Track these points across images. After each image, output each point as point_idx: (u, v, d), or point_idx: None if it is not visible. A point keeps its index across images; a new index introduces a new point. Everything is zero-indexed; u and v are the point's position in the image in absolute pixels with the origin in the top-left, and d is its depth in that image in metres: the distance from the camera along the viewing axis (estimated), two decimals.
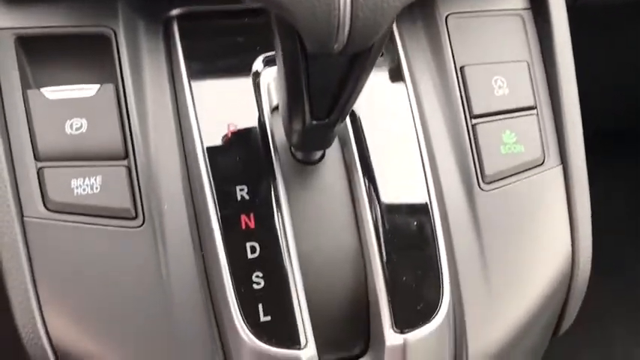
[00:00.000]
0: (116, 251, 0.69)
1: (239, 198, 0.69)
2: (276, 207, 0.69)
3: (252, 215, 0.68)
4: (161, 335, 0.68)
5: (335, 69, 0.56)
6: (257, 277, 0.67)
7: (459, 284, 0.73)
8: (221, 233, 0.68)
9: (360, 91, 0.59)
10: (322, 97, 0.59)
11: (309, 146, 0.70)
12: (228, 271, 0.67)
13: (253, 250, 0.68)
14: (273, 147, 0.71)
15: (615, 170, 1.60)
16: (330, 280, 0.71)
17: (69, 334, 0.68)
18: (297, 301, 0.67)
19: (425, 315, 0.69)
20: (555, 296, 0.79)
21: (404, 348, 0.67)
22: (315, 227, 0.71)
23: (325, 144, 0.69)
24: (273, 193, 0.69)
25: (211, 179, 0.69)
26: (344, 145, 0.74)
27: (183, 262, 0.69)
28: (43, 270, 0.68)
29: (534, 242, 0.77)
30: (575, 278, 0.79)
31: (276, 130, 0.72)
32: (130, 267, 0.69)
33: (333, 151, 0.73)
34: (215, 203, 0.68)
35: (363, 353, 0.72)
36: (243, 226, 0.68)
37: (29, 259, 0.68)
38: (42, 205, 0.68)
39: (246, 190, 0.69)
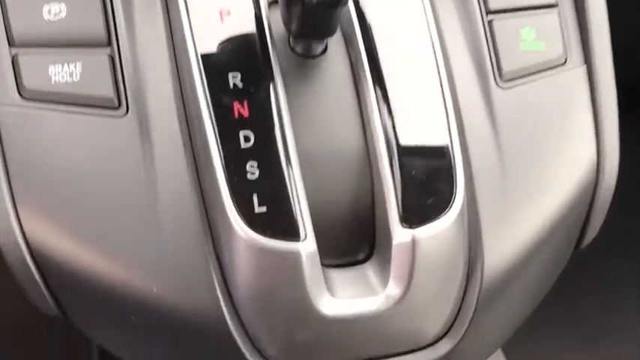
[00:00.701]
0: (97, 141, 0.63)
1: (231, 85, 0.63)
2: (273, 95, 0.63)
3: (245, 103, 0.62)
4: (146, 229, 0.62)
5: None
6: (251, 166, 0.61)
7: (474, 185, 0.67)
8: (211, 121, 0.62)
9: None
10: None
11: (309, 33, 0.63)
12: (219, 160, 0.61)
13: (247, 139, 0.62)
14: (271, 39, 0.65)
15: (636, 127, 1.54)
16: (332, 178, 0.65)
17: (46, 232, 0.63)
18: (294, 192, 0.61)
19: (436, 210, 0.62)
20: (579, 204, 0.72)
21: (413, 245, 0.61)
22: (315, 121, 0.65)
23: (327, 30, 0.63)
24: (269, 82, 0.63)
25: (201, 65, 0.63)
26: (349, 40, 0.67)
27: (171, 151, 0.63)
28: (16, 162, 0.63)
29: (556, 146, 0.71)
30: (600, 185, 0.73)
31: (274, 25, 0.66)
32: (113, 157, 0.63)
33: (336, 46, 0.67)
34: (205, 89, 0.63)
35: (367, 258, 0.66)
36: (236, 115, 0.62)
37: (2, 151, 0.63)
38: (17, 93, 0.63)
39: (239, 77, 0.63)
